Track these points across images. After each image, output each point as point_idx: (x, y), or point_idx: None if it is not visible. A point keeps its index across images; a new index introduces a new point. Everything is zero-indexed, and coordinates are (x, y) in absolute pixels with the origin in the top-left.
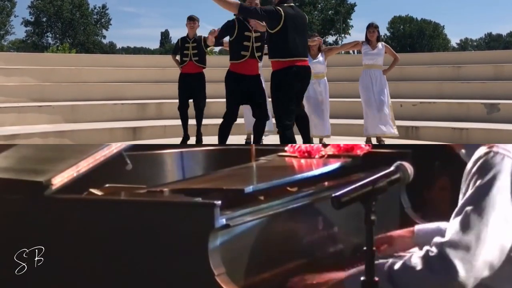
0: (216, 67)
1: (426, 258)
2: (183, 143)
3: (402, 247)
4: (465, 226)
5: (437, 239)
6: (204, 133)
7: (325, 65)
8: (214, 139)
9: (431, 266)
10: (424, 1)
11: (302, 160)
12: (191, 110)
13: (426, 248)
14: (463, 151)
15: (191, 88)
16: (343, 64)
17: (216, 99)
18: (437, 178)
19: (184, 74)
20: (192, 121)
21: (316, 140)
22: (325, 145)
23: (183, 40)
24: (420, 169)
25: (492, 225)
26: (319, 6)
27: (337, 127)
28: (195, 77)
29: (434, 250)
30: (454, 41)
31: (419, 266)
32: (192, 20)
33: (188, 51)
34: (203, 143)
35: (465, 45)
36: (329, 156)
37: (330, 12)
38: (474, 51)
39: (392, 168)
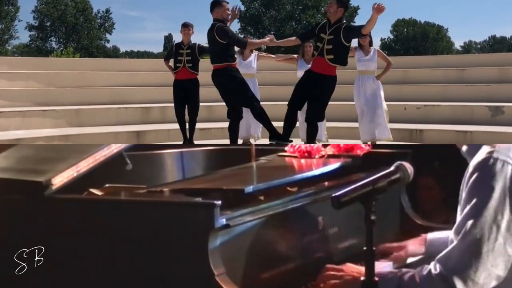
0: None
1: (429, 276)
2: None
3: (413, 253)
4: (466, 243)
5: (441, 256)
6: (207, 136)
7: None
8: (218, 142)
9: (434, 285)
10: (428, 4)
11: (302, 160)
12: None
13: (432, 264)
14: (463, 149)
15: (186, 94)
16: (344, 67)
17: (220, 103)
18: (437, 178)
19: (178, 81)
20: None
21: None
22: (325, 145)
23: (178, 46)
24: (420, 169)
25: (494, 238)
26: (323, 9)
27: (338, 130)
28: (189, 83)
29: (437, 268)
30: (458, 43)
31: (423, 284)
32: (186, 27)
33: (182, 57)
34: None
35: (469, 47)
36: (329, 156)
37: None
38: (478, 53)
39: (392, 168)
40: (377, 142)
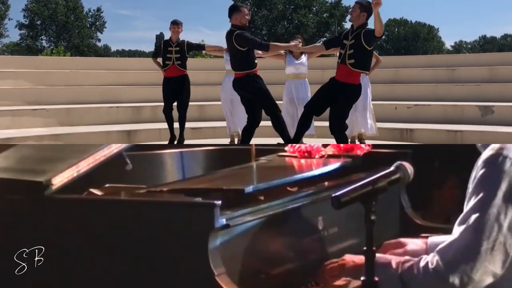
0: (212, 70)
1: (426, 268)
2: (170, 144)
3: (414, 254)
4: (466, 239)
5: (441, 249)
6: (199, 136)
7: (307, 66)
8: (209, 142)
9: (431, 276)
10: (419, 4)
11: (302, 160)
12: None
13: (430, 256)
14: (479, 144)
15: (175, 91)
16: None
17: (212, 102)
18: (437, 178)
19: (167, 78)
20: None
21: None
22: (325, 145)
23: (166, 43)
24: (420, 169)
25: (495, 237)
26: (314, 9)
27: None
28: (178, 80)
29: (435, 261)
30: (448, 43)
31: (421, 274)
32: (176, 24)
33: (171, 55)
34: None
35: (459, 47)
36: (329, 156)
37: (325, 15)
38: (469, 53)
39: (392, 168)
40: (363, 137)
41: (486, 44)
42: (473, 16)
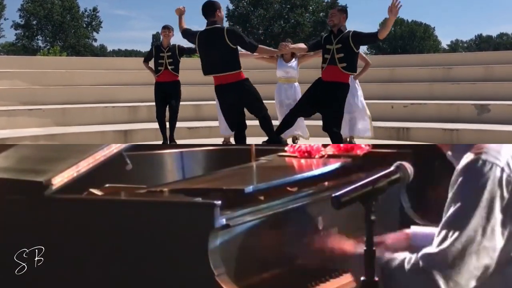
0: None
1: (414, 268)
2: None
3: (399, 249)
4: (451, 242)
5: (427, 251)
6: (195, 135)
7: (298, 70)
8: (205, 141)
9: (417, 278)
10: (415, 3)
11: (302, 160)
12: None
13: (414, 257)
14: (449, 152)
15: (167, 96)
16: None
17: (208, 102)
18: (437, 178)
19: (159, 83)
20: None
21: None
22: (325, 145)
23: (158, 48)
24: (420, 169)
25: (479, 242)
26: (311, 8)
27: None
28: (171, 85)
29: (421, 263)
30: (444, 42)
31: (407, 275)
32: (166, 29)
33: (163, 60)
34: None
35: (455, 46)
36: (329, 156)
37: (321, 14)
38: (465, 52)
39: (392, 168)
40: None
41: (482, 43)
42: (469, 15)
